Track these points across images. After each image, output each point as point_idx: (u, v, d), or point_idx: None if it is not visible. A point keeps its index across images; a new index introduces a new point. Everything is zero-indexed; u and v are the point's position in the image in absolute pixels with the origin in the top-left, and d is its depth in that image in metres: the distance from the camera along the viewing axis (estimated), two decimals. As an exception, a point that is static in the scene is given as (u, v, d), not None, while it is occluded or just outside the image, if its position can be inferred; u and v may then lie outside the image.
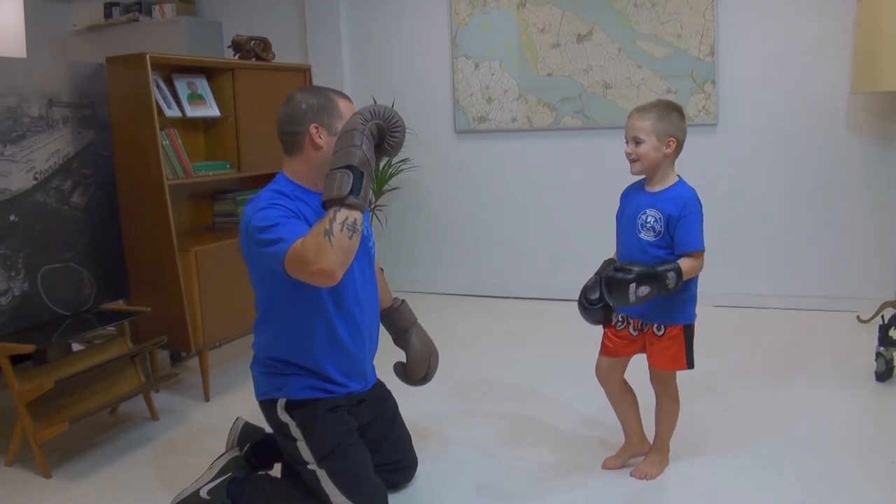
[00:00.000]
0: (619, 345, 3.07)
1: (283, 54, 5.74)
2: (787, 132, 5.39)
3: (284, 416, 2.67)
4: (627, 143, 2.92)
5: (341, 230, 2.30)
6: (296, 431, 2.67)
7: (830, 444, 3.34)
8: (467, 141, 6.25)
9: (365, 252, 2.77)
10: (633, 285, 2.69)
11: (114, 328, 3.97)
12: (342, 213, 2.32)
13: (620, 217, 3.07)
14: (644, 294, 2.70)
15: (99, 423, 3.87)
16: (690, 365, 2.99)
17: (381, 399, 3.02)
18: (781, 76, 5.35)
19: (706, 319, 5.29)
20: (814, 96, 5.30)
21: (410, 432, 3.14)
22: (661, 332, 2.96)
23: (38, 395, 3.28)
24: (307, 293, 2.57)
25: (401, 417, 3.09)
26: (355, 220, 2.35)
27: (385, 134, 2.49)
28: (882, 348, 4.00)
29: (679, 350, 2.97)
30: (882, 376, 4.00)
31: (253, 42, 4.71)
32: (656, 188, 2.96)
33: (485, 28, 6.04)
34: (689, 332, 2.97)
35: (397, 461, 3.00)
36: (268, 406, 2.73)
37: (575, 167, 5.93)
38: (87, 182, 4.04)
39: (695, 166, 5.59)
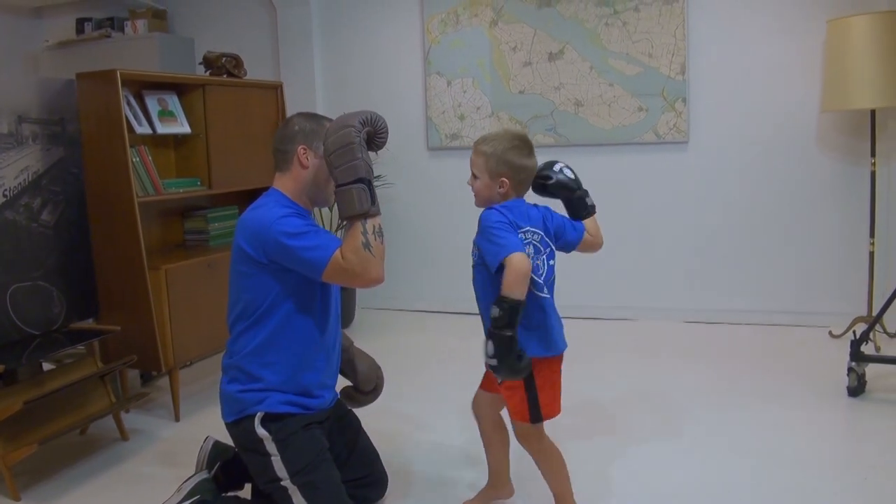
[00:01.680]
0: (492, 378, 2.85)
1: (256, 72, 5.74)
2: (758, 150, 5.45)
3: (261, 431, 2.66)
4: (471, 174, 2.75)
5: (375, 239, 2.52)
6: (271, 446, 2.65)
7: (803, 461, 3.36)
8: (440, 158, 6.26)
9: None
10: (485, 357, 2.47)
11: (83, 347, 3.93)
12: (370, 224, 2.52)
13: None
14: (491, 351, 2.43)
15: (69, 445, 3.83)
16: (534, 418, 2.68)
17: (342, 415, 3.04)
18: (752, 94, 5.41)
19: (677, 336, 5.36)
20: (784, 114, 5.36)
21: (383, 451, 3.13)
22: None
23: (6, 416, 3.23)
24: (302, 299, 2.68)
25: (365, 433, 3.09)
26: (380, 225, 2.56)
27: (372, 137, 2.62)
28: (854, 363, 4.03)
29: (521, 398, 2.68)
30: (854, 392, 4.03)
31: (224, 59, 4.69)
32: None
33: (457, 46, 6.06)
34: (529, 377, 2.63)
35: (366, 475, 3.00)
36: (241, 424, 2.71)
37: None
38: (57, 199, 4.00)
39: (666, 183, 5.67)
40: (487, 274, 2.60)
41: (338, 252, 2.51)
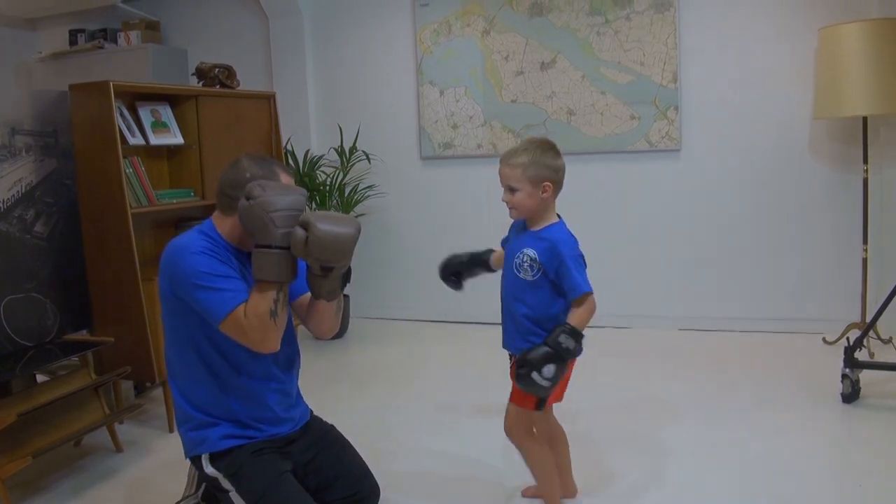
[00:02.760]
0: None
1: (249, 82, 5.74)
2: (750, 157, 5.46)
3: (210, 470, 2.61)
4: (504, 190, 2.81)
5: (282, 310, 2.43)
6: (225, 482, 2.60)
7: (797, 467, 3.36)
8: (433, 167, 6.26)
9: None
10: (535, 374, 2.57)
11: (77, 359, 3.92)
12: (283, 294, 2.43)
13: (506, 251, 2.98)
14: (552, 373, 2.57)
15: (62, 457, 3.81)
16: (539, 406, 2.81)
17: (322, 433, 2.90)
18: (744, 102, 5.43)
19: (672, 343, 5.36)
20: (776, 122, 5.37)
21: (376, 462, 3.09)
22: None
23: (0, 428, 3.21)
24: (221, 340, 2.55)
25: (351, 448, 2.94)
26: (286, 294, 2.48)
27: None
28: (848, 370, 4.04)
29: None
30: (848, 398, 4.04)
31: (217, 70, 4.70)
32: (535, 227, 2.84)
33: (449, 55, 6.08)
34: None
35: (356, 492, 2.88)
36: (196, 463, 2.68)
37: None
38: (50, 211, 3.99)
39: (658, 191, 5.68)
40: (544, 290, 2.77)
41: (241, 308, 2.39)
